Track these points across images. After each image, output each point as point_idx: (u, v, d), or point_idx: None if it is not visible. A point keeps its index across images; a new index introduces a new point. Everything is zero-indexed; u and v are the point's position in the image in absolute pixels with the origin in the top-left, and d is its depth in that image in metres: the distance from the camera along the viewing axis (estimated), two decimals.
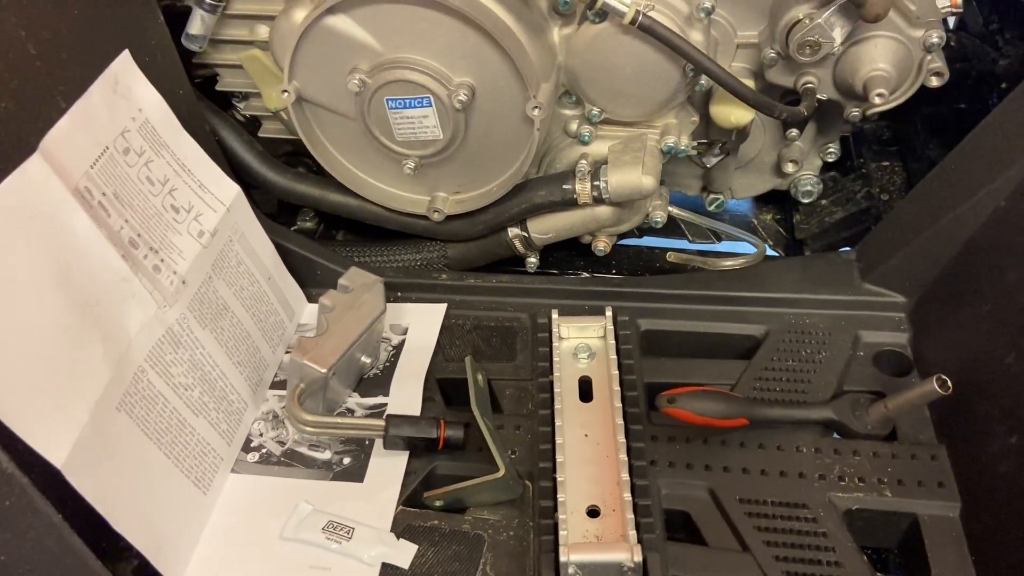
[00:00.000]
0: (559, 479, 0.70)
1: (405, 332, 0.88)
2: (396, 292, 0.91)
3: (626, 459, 0.70)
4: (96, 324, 0.63)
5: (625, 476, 0.69)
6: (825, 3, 0.79)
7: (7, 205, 0.56)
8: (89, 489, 0.59)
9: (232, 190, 0.80)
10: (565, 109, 0.88)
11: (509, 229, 0.93)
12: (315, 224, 1.08)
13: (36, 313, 0.58)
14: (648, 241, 1.12)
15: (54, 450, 0.57)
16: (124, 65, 0.70)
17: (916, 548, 0.68)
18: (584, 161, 0.86)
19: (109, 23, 0.71)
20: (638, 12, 0.73)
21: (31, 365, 0.57)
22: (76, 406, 0.60)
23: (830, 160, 1.00)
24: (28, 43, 0.61)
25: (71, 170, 0.63)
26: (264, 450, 0.77)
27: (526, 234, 0.93)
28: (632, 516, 0.66)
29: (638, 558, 0.62)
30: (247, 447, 0.77)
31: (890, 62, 0.81)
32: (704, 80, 0.83)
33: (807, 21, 0.79)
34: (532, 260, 0.97)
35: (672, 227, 1.14)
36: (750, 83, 0.84)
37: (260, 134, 0.98)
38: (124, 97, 0.70)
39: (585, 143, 0.88)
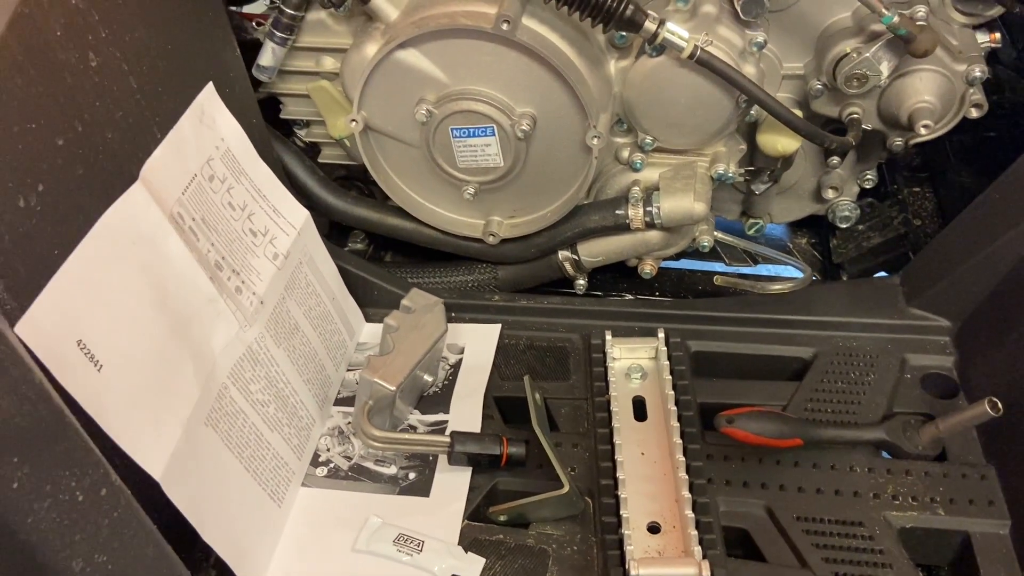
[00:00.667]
0: (621, 496, 0.72)
1: (462, 352, 0.91)
2: (450, 313, 0.94)
3: (685, 477, 0.73)
4: (188, 343, 0.66)
5: (685, 493, 0.71)
6: (872, 38, 0.82)
7: (114, 230, 0.60)
8: (182, 500, 0.62)
9: (302, 215, 0.84)
10: (617, 137, 0.91)
11: (560, 252, 0.96)
12: (365, 246, 1.11)
13: (138, 333, 0.61)
14: (688, 264, 1.15)
15: (154, 463, 0.60)
16: (209, 97, 0.74)
17: (968, 565, 0.70)
18: (636, 188, 0.90)
19: (195, 56, 0.74)
20: (696, 47, 0.77)
21: (133, 382, 0.60)
22: (171, 421, 0.63)
23: (868, 187, 1.03)
24: (130, 76, 0.64)
25: (166, 197, 0.66)
26: (332, 465, 0.80)
27: (576, 257, 0.96)
28: (694, 532, 0.69)
29: (707, 573, 0.64)
30: (315, 462, 0.80)
31: (934, 95, 0.84)
32: (754, 110, 0.87)
33: (855, 55, 0.82)
34: (581, 282, 1.00)
35: (710, 250, 1.17)
36: (796, 113, 0.87)
37: (319, 159, 1.01)
38: (209, 127, 0.74)
39: (637, 170, 0.91)
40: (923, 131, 0.83)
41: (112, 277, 0.59)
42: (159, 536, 0.59)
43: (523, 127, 0.81)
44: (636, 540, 0.70)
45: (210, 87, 0.74)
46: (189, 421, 0.65)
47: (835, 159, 0.98)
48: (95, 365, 0.57)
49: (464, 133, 0.83)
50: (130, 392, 0.59)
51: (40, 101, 0.54)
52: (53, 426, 0.51)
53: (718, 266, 1.16)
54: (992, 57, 1.03)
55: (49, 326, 0.53)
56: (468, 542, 0.73)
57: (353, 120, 0.84)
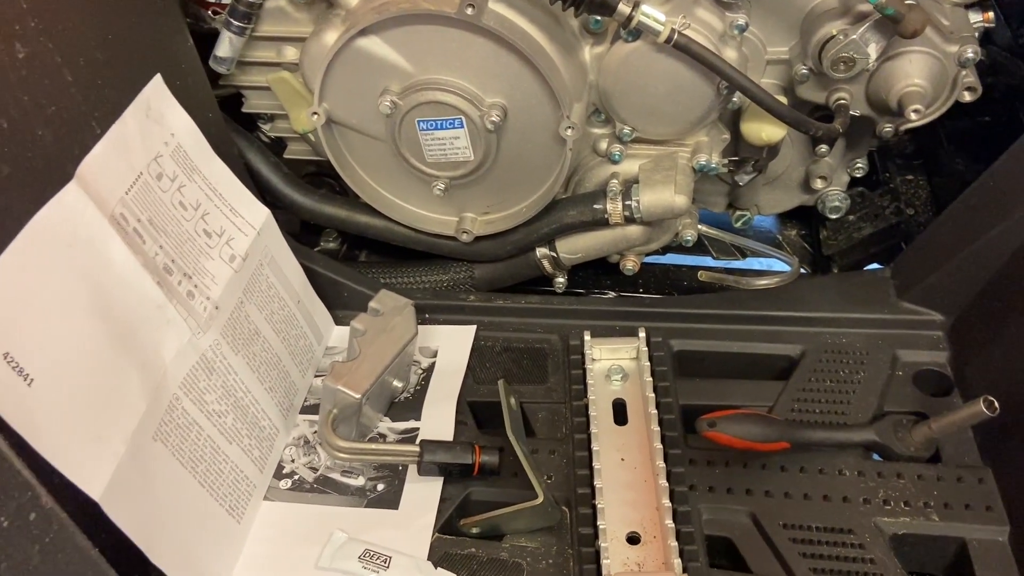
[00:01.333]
0: (599, 506, 0.69)
1: (435, 355, 0.87)
2: (424, 314, 0.90)
3: (666, 484, 0.69)
4: (132, 353, 0.62)
5: (666, 502, 0.68)
6: (859, 19, 0.78)
7: (45, 233, 0.56)
8: (126, 522, 0.58)
9: (262, 213, 0.80)
10: (595, 128, 0.87)
11: (538, 249, 0.92)
12: (338, 244, 1.07)
13: (74, 343, 0.57)
14: (673, 259, 1.12)
15: (92, 483, 0.56)
16: (156, 90, 0.70)
17: (965, 573, 0.67)
18: (615, 181, 0.86)
19: (141, 47, 0.70)
20: (673, 31, 0.73)
21: (69, 396, 0.56)
22: (114, 437, 0.59)
23: (858, 175, 0.99)
24: (64, 69, 0.60)
25: (107, 197, 0.62)
26: (296, 476, 0.76)
27: (555, 254, 0.92)
28: (675, 543, 0.65)
29: None
30: (279, 474, 0.76)
31: (925, 77, 0.80)
32: (737, 97, 0.83)
33: (841, 37, 0.78)
34: (560, 280, 0.96)
35: (696, 244, 1.13)
36: (781, 99, 0.83)
37: (285, 155, 0.97)
38: (157, 122, 0.69)
39: (615, 162, 0.87)
40: (913, 116, 0.79)
41: (44, 284, 0.55)
42: (101, 562, 0.55)
43: (493, 118, 0.77)
44: (614, 552, 0.66)
45: (158, 79, 0.70)
46: (135, 436, 0.61)
47: (823, 147, 0.94)
48: (25, 379, 0.53)
49: (431, 125, 0.79)
50: (65, 407, 0.55)
51: None
52: None
53: (705, 261, 1.13)
54: (986, 38, 0.98)
55: None
56: (438, 556, 0.69)
57: (315, 113, 0.80)
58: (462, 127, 0.79)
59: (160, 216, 0.68)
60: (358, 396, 0.73)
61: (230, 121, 0.90)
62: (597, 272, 1.05)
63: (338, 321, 0.91)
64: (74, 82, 0.61)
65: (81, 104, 0.61)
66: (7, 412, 0.51)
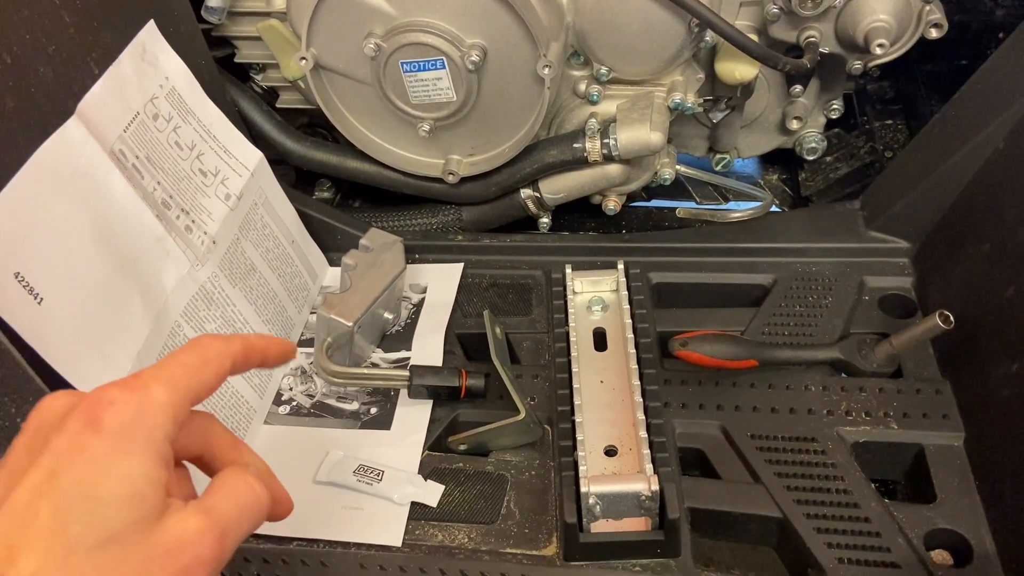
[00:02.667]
0: (577, 420, 0.73)
1: (424, 291, 0.91)
2: (414, 254, 0.94)
3: (641, 401, 0.73)
4: (135, 280, 0.66)
5: (640, 416, 0.72)
6: None
7: (50, 164, 0.60)
8: None
9: (255, 156, 0.83)
10: (574, 70, 0.90)
11: (522, 190, 0.96)
12: (332, 194, 1.11)
13: (79, 267, 0.61)
14: (657, 203, 1.15)
15: None
16: (150, 34, 0.73)
17: (922, 477, 0.71)
18: (593, 120, 0.89)
19: None
20: None
21: (76, 315, 0.60)
22: (120, 356, 0.63)
23: (834, 117, 1.02)
24: (62, 11, 0.64)
25: (106, 133, 0.66)
26: (294, 403, 0.81)
27: (538, 195, 0.96)
28: (648, 452, 0.69)
29: (655, 487, 0.65)
30: (278, 401, 0.81)
31: (890, 13, 0.83)
32: (709, 37, 0.86)
33: None
34: (545, 220, 1.00)
35: (680, 190, 1.17)
36: (754, 39, 0.86)
37: (278, 105, 1.00)
38: (151, 65, 0.73)
39: (594, 103, 0.90)
40: (879, 51, 0.82)
41: (50, 211, 0.59)
42: None
43: (473, 58, 0.80)
44: (591, 462, 0.70)
45: (151, 25, 0.73)
46: (139, 356, 0.65)
47: (797, 87, 0.97)
48: (35, 298, 0.57)
49: (414, 67, 0.82)
50: (73, 326, 0.60)
51: None
52: None
53: (689, 205, 1.16)
54: None
55: None
56: (428, 471, 0.74)
57: (303, 58, 0.84)
58: (444, 68, 0.82)
59: (157, 154, 0.71)
60: (350, 324, 0.77)
61: (223, 71, 0.93)
62: (581, 215, 1.09)
63: (332, 262, 0.95)
64: (72, 23, 0.64)
65: (79, 44, 0.65)
66: (20, 326, 0.55)
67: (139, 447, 0.38)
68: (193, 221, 0.74)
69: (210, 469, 0.45)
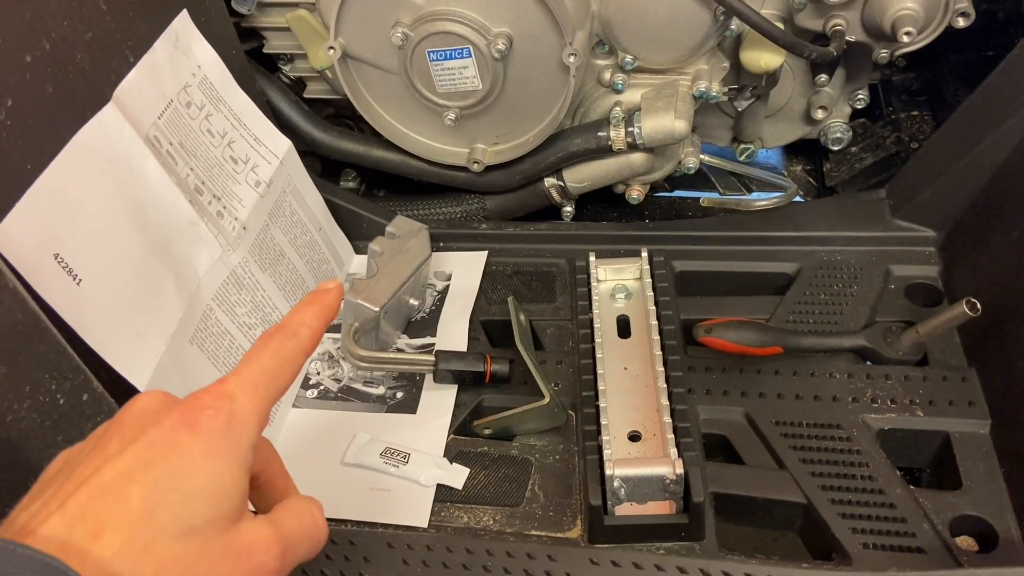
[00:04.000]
0: (601, 406, 0.73)
1: (449, 278, 0.92)
2: (439, 242, 0.95)
3: (665, 387, 0.73)
4: (168, 263, 0.67)
5: (664, 402, 0.72)
6: None
7: (88, 148, 0.61)
8: None
9: (284, 144, 0.84)
10: (598, 59, 0.90)
11: (546, 179, 0.97)
12: (357, 184, 1.12)
13: (116, 249, 0.63)
14: (680, 194, 1.15)
15: (136, 375, 0.62)
16: (183, 24, 0.75)
17: (948, 464, 0.71)
18: (618, 108, 0.89)
19: None
20: None
21: (113, 296, 0.61)
22: (154, 337, 0.65)
23: (859, 107, 1.02)
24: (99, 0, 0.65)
25: (141, 119, 0.67)
26: (322, 387, 0.82)
27: (562, 183, 0.96)
28: (672, 436, 0.70)
29: (680, 471, 0.65)
30: (306, 384, 0.82)
31: (917, 1, 0.82)
32: (735, 25, 0.86)
33: None
34: (568, 209, 1.00)
35: (703, 181, 1.17)
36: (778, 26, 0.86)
37: (304, 95, 1.02)
38: (184, 54, 0.74)
39: (619, 91, 0.91)
40: (906, 39, 0.82)
41: (88, 194, 0.61)
42: None
43: (499, 47, 0.81)
44: (615, 447, 0.71)
45: (184, 14, 0.75)
46: (173, 338, 0.66)
47: (823, 76, 0.97)
48: (74, 279, 0.58)
49: (441, 56, 0.83)
50: (111, 306, 0.61)
51: (3, 15, 0.55)
52: (29, 329, 0.53)
53: (713, 196, 1.16)
54: None
55: (24, 238, 0.55)
56: (453, 454, 0.75)
57: (331, 48, 0.85)
58: (470, 56, 0.83)
59: (190, 141, 0.73)
60: (376, 309, 0.78)
61: (252, 62, 0.95)
62: (604, 205, 1.09)
63: (358, 250, 0.96)
64: (108, 11, 0.66)
65: (115, 32, 0.66)
66: (60, 306, 0.57)
67: (229, 450, 0.40)
68: (224, 207, 0.75)
69: (260, 492, 0.47)
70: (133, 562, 0.36)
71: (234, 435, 0.40)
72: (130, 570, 0.36)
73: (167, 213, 0.68)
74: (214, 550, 0.38)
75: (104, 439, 0.40)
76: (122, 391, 0.60)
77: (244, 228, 0.77)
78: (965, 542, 0.65)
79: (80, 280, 0.59)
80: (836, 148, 1.05)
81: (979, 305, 0.70)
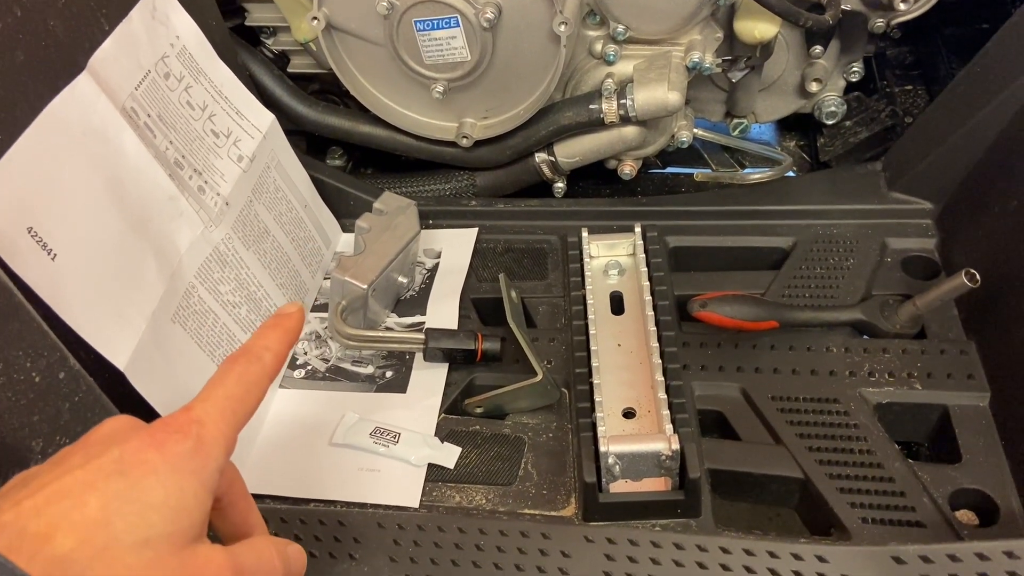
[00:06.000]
0: (595, 382, 0.72)
1: (439, 256, 0.90)
2: (428, 220, 0.93)
3: (659, 363, 0.72)
4: (148, 239, 0.65)
5: (659, 378, 0.71)
6: None
7: (60, 120, 0.59)
8: (150, 392, 0.62)
9: (267, 118, 0.82)
10: (589, 30, 0.88)
11: (536, 154, 0.95)
12: (344, 162, 1.10)
13: (92, 224, 0.60)
14: (673, 170, 1.14)
15: (117, 354, 0.60)
16: None
17: (947, 437, 0.70)
18: (610, 80, 0.87)
19: None
20: None
21: (90, 272, 0.59)
22: (134, 315, 0.63)
23: (854, 80, 1.00)
24: None
25: (117, 90, 0.65)
26: (310, 367, 0.80)
27: (553, 158, 0.95)
28: (667, 413, 0.68)
29: (675, 446, 0.64)
30: (293, 365, 0.80)
31: None
32: None
33: None
34: (560, 185, 0.98)
35: (696, 157, 1.15)
36: None
37: (289, 70, 0.99)
38: (162, 23, 0.72)
39: (610, 63, 0.89)
40: (902, 6, 0.81)
41: (62, 167, 0.59)
42: None
43: (487, 16, 0.79)
44: (610, 424, 0.69)
45: None
46: (154, 316, 0.64)
47: (817, 48, 0.95)
48: (48, 254, 0.56)
49: (428, 25, 0.81)
50: (88, 283, 0.59)
51: None
52: (2, 304, 0.51)
53: (706, 172, 1.14)
54: None
55: None
56: (444, 434, 0.73)
57: (314, 19, 0.82)
58: (458, 26, 0.81)
59: (169, 113, 0.71)
60: (364, 286, 0.76)
61: (234, 35, 0.92)
62: (597, 182, 1.07)
63: (345, 228, 0.94)
64: None
65: (90, 0, 0.64)
66: (34, 282, 0.55)
67: (195, 471, 0.40)
68: (206, 182, 0.73)
69: (222, 513, 0.47)
70: (83, 565, 0.35)
71: (200, 458, 0.41)
72: (79, 572, 0.35)
73: (146, 187, 0.66)
74: (167, 565, 0.38)
75: (67, 454, 0.40)
76: (102, 370, 0.59)
77: (227, 204, 0.75)
78: (965, 516, 0.64)
79: (55, 255, 0.57)
80: (830, 122, 1.04)
81: (978, 276, 0.69)
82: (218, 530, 0.48)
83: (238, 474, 0.49)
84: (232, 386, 0.44)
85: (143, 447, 0.40)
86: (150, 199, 0.66)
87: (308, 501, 0.68)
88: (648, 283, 0.79)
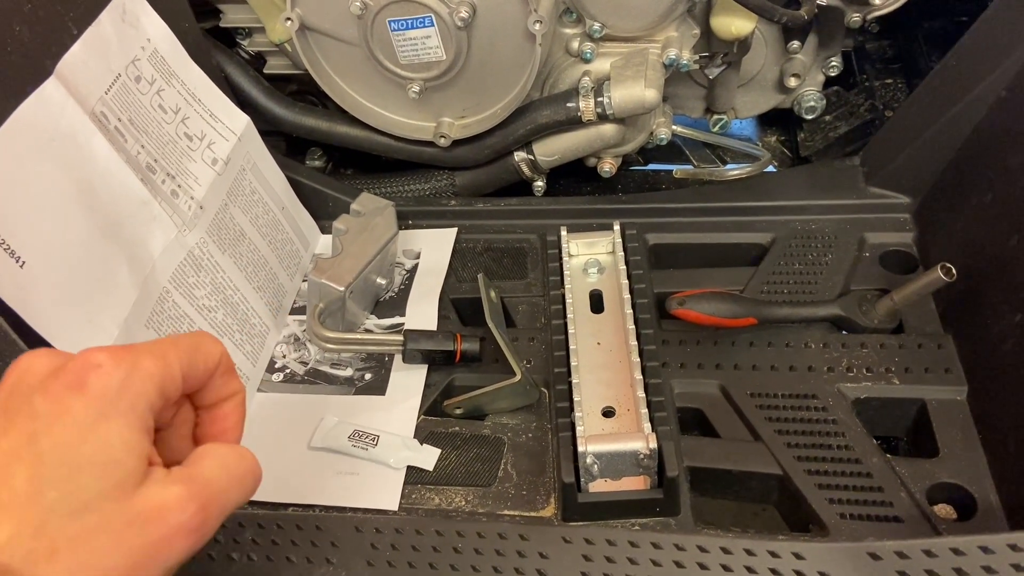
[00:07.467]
0: (574, 382, 0.72)
1: (418, 256, 0.90)
2: (407, 220, 0.93)
3: (639, 361, 0.72)
4: (120, 244, 0.65)
5: (638, 376, 0.71)
6: None
7: (28, 125, 0.58)
8: None
9: (242, 120, 0.81)
10: (566, 28, 0.88)
11: (515, 153, 0.94)
12: (323, 163, 1.09)
13: (62, 231, 0.60)
14: (654, 167, 1.14)
15: None
16: None
17: (925, 432, 0.70)
18: (587, 78, 0.87)
19: None
20: None
21: (61, 280, 0.59)
22: (106, 321, 0.62)
23: (832, 74, 1.01)
24: None
25: (87, 95, 0.64)
26: (288, 370, 0.80)
27: (532, 157, 0.94)
28: (646, 411, 0.68)
29: (653, 445, 0.64)
30: (271, 368, 0.80)
31: None
32: None
33: None
34: (539, 184, 0.98)
35: (677, 154, 1.15)
36: None
37: (265, 71, 0.99)
38: (132, 26, 0.71)
39: (587, 60, 0.89)
40: (877, 1, 0.81)
41: (30, 173, 0.58)
42: None
43: (462, 15, 0.78)
44: (589, 423, 0.69)
45: None
46: (127, 322, 0.64)
47: (795, 43, 0.95)
48: (16, 261, 0.56)
49: (402, 25, 0.81)
50: (58, 290, 0.58)
51: None
52: None
53: (686, 169, 1.14)
54: None
55: None
56: (424, 436, 0.73)
57: (288, 19, 0.82)
58: (432, 25, 0.80)
59: (141, 117, 0.70)
60: (341, 289, 0.76)
61: (209, 37, 0.91)
62: (577, 180, 1.07)
63: (324, 230, 0.93)
64: None
65: (56, 4, 0.63)
66: (2, 290, 0.54)
67: (121, 413, 0.37)
68: (179, 186, 0.73)
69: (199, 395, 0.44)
70: (25, 549, 0.33)
71: (128, 396, 0.37)
72: (23, 558, 0.33)
73: (117, 192, 0.65)
74: (114, 524, 0.35)
75: None
76: None
77: (201, 207, 0.74)
78: (943, 510, 0.64)
79: (24, 263, 0.56)
80: (810, 117, 1.04)
81: (954, 270, 0.69)
82: (197, 440, 0.45)
83: (196, 348, 0.43)
84: (184, 338, 0.42)
85: (64, 391, 0.36)
86: (121, 204, 0.66)
87: (286, 506, 0.68)
88: (627, 281, 0.79)
